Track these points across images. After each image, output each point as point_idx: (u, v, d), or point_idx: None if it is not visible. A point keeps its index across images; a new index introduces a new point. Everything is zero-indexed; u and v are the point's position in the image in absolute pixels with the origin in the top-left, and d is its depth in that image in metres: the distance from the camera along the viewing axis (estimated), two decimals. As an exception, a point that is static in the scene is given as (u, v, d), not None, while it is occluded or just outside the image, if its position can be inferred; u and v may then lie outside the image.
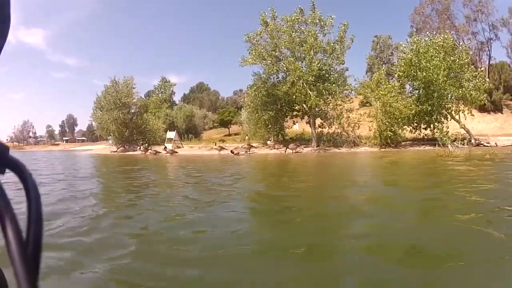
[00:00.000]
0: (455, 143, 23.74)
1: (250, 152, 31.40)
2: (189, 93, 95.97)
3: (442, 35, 31.99)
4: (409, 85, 32.54)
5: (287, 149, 30.95)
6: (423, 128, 31.82)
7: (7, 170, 0.46)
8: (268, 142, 34.41)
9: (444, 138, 26.66)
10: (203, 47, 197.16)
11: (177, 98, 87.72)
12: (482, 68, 32.99)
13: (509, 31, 56.16)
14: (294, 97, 32.19)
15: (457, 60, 29.87)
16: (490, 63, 56.40)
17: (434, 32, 34.13)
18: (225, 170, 15.54)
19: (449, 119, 30.70)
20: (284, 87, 32.12)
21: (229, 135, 65.20)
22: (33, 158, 34.53)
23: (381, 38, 67.17)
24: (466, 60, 30.55)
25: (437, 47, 30.10)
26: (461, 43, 39.62)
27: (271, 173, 14.98)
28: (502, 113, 48.49)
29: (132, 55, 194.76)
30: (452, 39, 32.16)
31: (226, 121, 70.38)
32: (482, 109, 43.86)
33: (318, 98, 31.45)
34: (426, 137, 31.89)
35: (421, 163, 16.63)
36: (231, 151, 30.37)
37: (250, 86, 35.96)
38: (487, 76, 44.45)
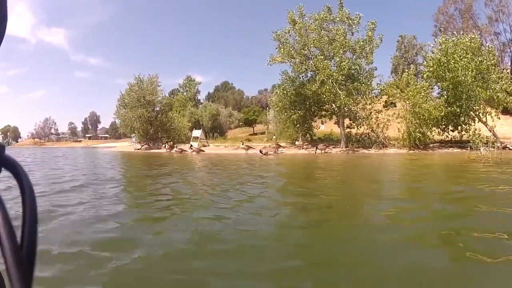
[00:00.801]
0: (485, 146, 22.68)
1: (279, 152, 30.55)
2: (214, 92, 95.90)
3: (469, 35, 31.34)
4: (437, 86, 31.48)
5: (317, 149, 30.18)
6: (450, 130, 31.07)
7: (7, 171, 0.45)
8: (297, 142, 33.67)
9: (477, 141, 25.00)
10: (227, 46, 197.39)
11: (201, 97, 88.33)
12: (508, 70, 31.61)
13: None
14: (323, 96, 31.42)
15: (485, 61, 29.10)
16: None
17: (462, 32, 32.90)
18: (263, 176, 14.18)
19: (476, 121, 29.94)
20: (313, 86, 31.29)
21: (254, 134, 64.89)
22: (54, 156, 34.04)
23: (406, 38, 66.19)
24: (493, 61, 29.97)
25: (465, 48, 29.24)
26: (487, 44, 38.33)
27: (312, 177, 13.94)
28: (524, 115, 46.65)
29: (156, 56, 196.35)
30: (478, 39, 31.36)
31: (251, 120, 70.03)
32: (505, 111, 42.26)
33: (348, 98, 30.67)
34: (453, 139, 31.21)
35: (460, 169, 15.42)
36: (260, 151, 29.64)
37: (278, 85, 35.19)
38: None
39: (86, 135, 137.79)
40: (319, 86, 30.96)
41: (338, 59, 31.28)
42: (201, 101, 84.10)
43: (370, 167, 17.59)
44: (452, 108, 29.15)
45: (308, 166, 19.09)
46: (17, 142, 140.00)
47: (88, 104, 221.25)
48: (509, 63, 54.23)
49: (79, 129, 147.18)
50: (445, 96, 29.85)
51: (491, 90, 28.62)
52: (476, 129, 28.10)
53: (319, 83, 30.91)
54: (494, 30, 56.51)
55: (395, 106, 32.78)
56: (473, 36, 30.96)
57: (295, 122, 34.28)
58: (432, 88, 31.45)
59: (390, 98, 33.72)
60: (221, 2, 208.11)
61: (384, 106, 32.44)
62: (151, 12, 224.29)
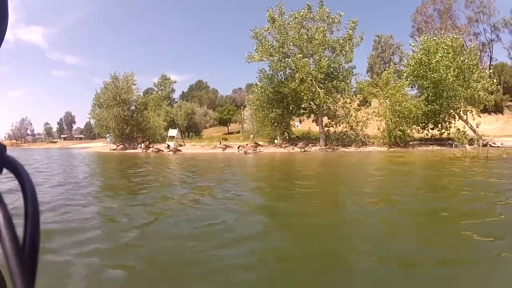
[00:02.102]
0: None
1: (257, 151, 30.02)
2: (188, 91, 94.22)
3: (451, 34, 31.59)
4: (416, 84, 31.32)
5: (296, 147, 29.81)
6: (430, 128, 31.23)
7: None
8: (276, 141, 33.13)
9: (462, 139, 26.12)
10: (202, 46, 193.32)
11: (176, 96, 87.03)
12: (490, 70, 32.12)
13: (511, 32, 55.88)
14: (302, 94, 30.88)
15: (466, 60, 29.38)
16: (491, 64, 55.22)
17: (443, 32, 33.09)
18: (255, 176, 13.61)
19: (456, 119, 30.29)
20: (292, 84, 30.78)
21: (229, 133, 64.24)
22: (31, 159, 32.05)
23: (383, 38, 66.47)
24: (475, 61, 30.30)
25: (446, 47, 29.34)
26: (470, 44, 38.94)
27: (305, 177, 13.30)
28: (502, 114, 47.83)
29: (132, 55, 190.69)
30: (460, 39, 31.68)
31: (225, 119, 69.40)
32: (483, 110, 43.12)
33: (327, 96, 30.32)
34: (433, 137, 31.36)
35: (452, 165, 14.82)
36: (239, 150, 29.15)
37: (256, 83, 34.84)
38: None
39: (62, 136, 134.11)
40: (298, 84, 30.48)
41: (317, 57, 30.92)
42: (176, 100, 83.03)
43: (357, 167, 16.99)
44: (432, 106, 29.24)
45: (290, 165, 18.35)
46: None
47: (64, 104, 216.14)
48: (488, 63, 55.25)
49: (54, 129, 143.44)
50: (425, 95, 29.76)
51: (471, 89, 28.82)
52: (459, 128, 28.31)
53: (298, 81, 30.44)
54: (473, 30, 57.90)
55: (370, 105, 32.72)
56: (455, 36, 31.26)
57: (273, 120, 33.78)
58: (412, 87, 31.57)
59: (369, 97, 33.65)
60: (196, 1, 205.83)
61: (359, 105, 32.33)
62: (128, 11, 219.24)
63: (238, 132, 59.53)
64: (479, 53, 35.85)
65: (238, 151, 29.07)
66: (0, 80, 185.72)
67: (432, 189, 9.15)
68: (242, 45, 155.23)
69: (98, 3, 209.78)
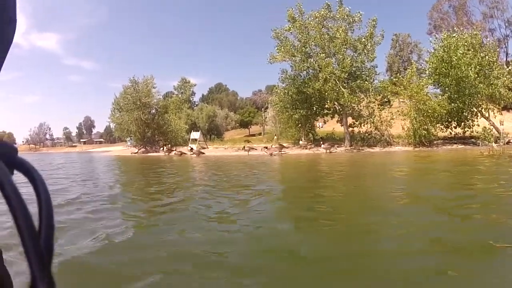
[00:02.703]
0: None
1: (282, 152, 29.19)
2: (208, 94, 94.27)
3: (470, 31, 31.35)
4: (438, 82, 30.53)
5: (321, 148, 29.18)
6: (453, 127, 30.73)
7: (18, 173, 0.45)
8: (300, 142, 32.33)
9: (489, 137, 25.79)
10: (221, 48, 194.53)
11: (195, 99, 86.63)
12: (510, 67, 30.98)
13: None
14: (326, 94, 30.36)
15: (486, 57, 28.77)
16: (508, 60, 53.60)
17: (461, 29, 32.75)
18: (289, 178, 12.90)
19: (479, 117, 29.79)
20: (317, 84, 30.10)
21: (251, 135, 63.79)
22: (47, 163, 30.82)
23: (400, 36, 65.69)
24: (494, 58, 29.84)
25: (466, 44, 28.74)
26: (488, 40, 37.74)
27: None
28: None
29: (149, 59, 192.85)
30: (479, 35, 30.96)
31: (246, 121, 68.95)
32: (504, 108, 41.93)
33: (352, 96, 29.74)
34: (456, 135, 30.86)
35: (483, 163, 14.29)
36: (265, 151, 28.58)
37: (278, 84, 34.60)
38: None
39: (81, 140, 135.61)
40: (322, 84, 29.87)
41: (340, 57, 30.42)
42: (196, 103, 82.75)
43: (390, 167, 16.06)
44: (455, 104, 28.60)
45: (319, 167, 17.51)
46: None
47: (82, 108, 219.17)
48: (505, 59, 53.62)
49: (74, 134, 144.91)
50: (448, 93, 29.04)
51: (493, 86, 28.14)
52: (485, 126, 27.98)
53: (322, 81, 29.80)
54: (488, 26, 56.38)
55: (390, 104, 31.87)
56: (474, 32, 30.68)
57: (297, 121, 33.21)
58: (435, 85, 30.83)
59: (390, 96, 32.73)
60: (213, 3, 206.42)
61: (380, 104, 31.41)
62: (144, 15, 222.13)
63: (260, 134, 59.09)
64: (498, 49, 34.97)
65: (264, 152, 28.24)
66: (14, 86, 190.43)
67: (476, 188, 8.68)
68: (262, 46, 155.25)
69: (111, 8, 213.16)
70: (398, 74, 35.31)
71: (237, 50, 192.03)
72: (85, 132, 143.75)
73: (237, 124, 70.84)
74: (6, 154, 0.42)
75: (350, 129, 32.18)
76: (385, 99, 32.51)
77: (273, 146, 31.54)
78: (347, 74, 29.96)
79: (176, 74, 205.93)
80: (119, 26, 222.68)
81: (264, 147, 30.34)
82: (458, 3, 57.09)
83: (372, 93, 30.76)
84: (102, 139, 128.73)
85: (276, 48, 32.49)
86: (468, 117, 29.75)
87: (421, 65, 33.69)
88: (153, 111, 46.16)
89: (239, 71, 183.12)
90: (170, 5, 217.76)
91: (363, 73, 31.58)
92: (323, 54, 30.40)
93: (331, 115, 34.43)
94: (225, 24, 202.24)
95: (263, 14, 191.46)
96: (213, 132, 60.60)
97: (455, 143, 29.08)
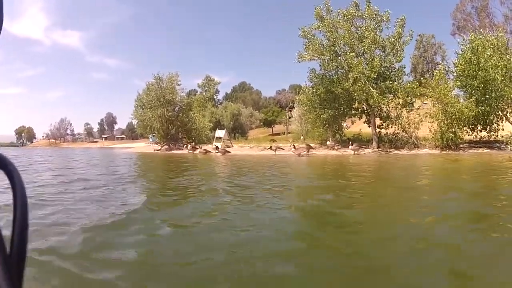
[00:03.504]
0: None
1: (310, 153, 28.43)
2: (231, 93, 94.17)
3: (496, 33, 30.68)
4: (466, 84, 29.53)
5: (349, 150, 28.72)
6: (479, 130, 30.09)
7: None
8: (328, 142, 31.52)
9: None
10: (244, 47, 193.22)
11: (219, 97, 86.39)
12: None
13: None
14: (355, 94, 29.69)
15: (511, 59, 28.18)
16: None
17: (481, 30, 32.34)
18: (325, 181, 12.14)
19: (504, 121, 29.26)
20: (346, 84, 29.43)
21: (275, 134, 63.37)
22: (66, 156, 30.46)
23: (424, 37, 64.52)
24: None
25: (492, 46, 28.27)
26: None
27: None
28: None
29: (172, 57, 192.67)
30: (505, 38, 30.56)
31: (269, 121, 68.48)
32: None
33: (381, 97, 28.95)
34: (482, 139, 30.19)
35: None
36: (293, 151, 27.84)
37: (305, 83, 34.13)
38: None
39: (103, 136, 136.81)
40: (352, 84, 29.16)
41: (369, 56, 29.81)
42: (220, 101, 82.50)
43: (424, 171, 15.18)
44: (482, 108, 28.03)
45: (351, 169, 16.61)
46: (32, 142, 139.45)
47: (104, 105, 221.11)
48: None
49: (95, 129, 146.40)
50: (475, 95, 28.33)
51: None
52: (510, 131, 27.50)
53: (351, 81, 29.09)
54: (509, 28, 55.17)
55: (413, 106, 30.94)
56: (500, 34, 30.22)
57: (324, 121, 32.45)
58: (461, 87, 30.07)
59: (413, 98, 31.76)
60: (237, 2, 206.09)
61: (403, 106, 30.51)
62: (167, 13, 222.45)
63: (283, 133, 58.49)
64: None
65: (292, 152, 27.51)
66: (36, 82, 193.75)
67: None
68: (286, 45, 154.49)
69: (136, 6, 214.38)
70: (422, 75, 34.54)
71: (262, 49, 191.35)
72: (106, 128, 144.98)
73: (261, 123, 70.43)
74: None
75: (378, 130, 31.51)
76: (409, 102, 31.55)
77: (301, 146, 30.89)
78: (376, 74, 29.18)
79: (200, 72, 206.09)
80: (143, 24, 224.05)
81: (292, 145, 29.85)
82: (480, 4, 56.47)
83: (402, 94, 29.94)
84: (123, 136, 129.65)
85: (304, 46, 31.88)
86: (494, 121, 29.20)
87: (447, 67, 32.73)
88: (177, 108, 45.85)
89: (262, 70, 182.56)
90: (194, 4, 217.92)
91: (391, 73, 30.87)
92: (353, 53, 29.67)
93: (359, 116, 33.76)
94: (250, 23, 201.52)
95: (287, 14, 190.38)
96: (237, 131, 60.38)
97: (481, 147, 28.54)
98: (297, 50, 32.32)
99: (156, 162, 25.22)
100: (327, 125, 32.87)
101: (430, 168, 17.12)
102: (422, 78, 33.22)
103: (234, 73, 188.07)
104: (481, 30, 31.62)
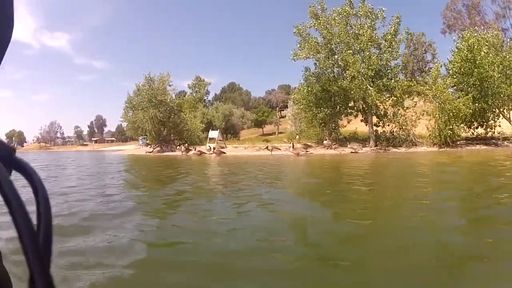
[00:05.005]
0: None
1: (308, 152, 27.65)
2: (221, 93, 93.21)
3: (485, 31, 31.38)
4: (461, 82, 29.59)
5: (347, 149, 28.38)
6: (475, 127, 30.33)
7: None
8: (325, 141, 30.86)
9: None
10: (232, 47, 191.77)
11: (209, 98, 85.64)
12: None
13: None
14: (352, 93, 29.38)
15: (508, 56, 28.41)
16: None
17: (483, 28, 32.72)
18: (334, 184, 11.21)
19: (500, 118, 29.48)
20: (344, 82, 29.08)
21: (266, 134, 62.78)
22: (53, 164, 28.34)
23: (414, 36, 64.44)
24: None
25: (487, 43, 28.67)
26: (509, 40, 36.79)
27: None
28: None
29: (160, 58, 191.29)
30: (501, 36, 31.08)
31: (260, 121, 67.89)
32: None
33: (379, 95, 28.69)
34: (478, 136, 30.31)
35: None
36: (292, 151, 27.27)
37: (301, 82, 33.59)
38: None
39: (93, 139, 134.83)
40: (349, 82, 28.80)
41: (366, 54, 29.56)
42: (210, 102, 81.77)
43: (430, 170, 14.22)
44: (479, 105, 28.16)
45: (353, 168, 15.62)
46: (23, 146, 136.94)
47: (93, 107, 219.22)
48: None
49: (85, 132, 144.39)
50: (472, 93, 28.24)
51: None
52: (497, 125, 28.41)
53: (349, 79, 28.65)
54: (501, 26, 55.31)
55: (403, 105, 30.62)
56: (495, 32, 30.71)
57: (320, 120, 31.84)
58: (457, 85, 29.90)
59: (404, 95, 31.34)
60: (225, 2, 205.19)
61: (395, 104, 30.10)
62: (154, 13, 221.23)
63: (274, 133, 57.91)
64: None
65: (290, 152, 26.76)
66: (24, 85, 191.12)
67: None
68: (275, 46, 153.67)
69: (122, 8, 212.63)
70: (413, 74, 34.33)
71: (250, 50, 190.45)
72: (96, 131, 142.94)
73: (252, 124, 69.96)
74: (4, 154, 0.42)
75: (375, 128, 31.17)
76: (403, 100, 31.11)
77: (298, 145, 30.19)
78: (373, 72, 28.80)
79: (188, 73, 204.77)
80: (130, 25, 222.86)
81: (291, 145, 29.30)
82: (471, 2, 56.46)
83: (398, 92, 29.66)
84: (113, 138, 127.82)
85: (298, 45, 31.49)
86: (491, 118, 29.34)
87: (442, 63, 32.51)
88: (169, 109, 44.71)
89: (251, 71, 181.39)
90: (181, 5, 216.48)
91: (388, 71, 30.64)
92: (350, 51, 29.14)
93: (355, 114, 33.26)
94: (237, 23, 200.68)
95: (275, 13, 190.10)
96: (230, 132, 59.64)
97: (477, 144, 28.66)
98: (286, 50, 32.12)
99: (150, 165, 23.74)
100: (323, 124, 32.29)
101: (431, 164, 16.77)
102: (417, 76, 32.98)
103: (222, 73, 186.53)
104: (476, 27, 31.41)
